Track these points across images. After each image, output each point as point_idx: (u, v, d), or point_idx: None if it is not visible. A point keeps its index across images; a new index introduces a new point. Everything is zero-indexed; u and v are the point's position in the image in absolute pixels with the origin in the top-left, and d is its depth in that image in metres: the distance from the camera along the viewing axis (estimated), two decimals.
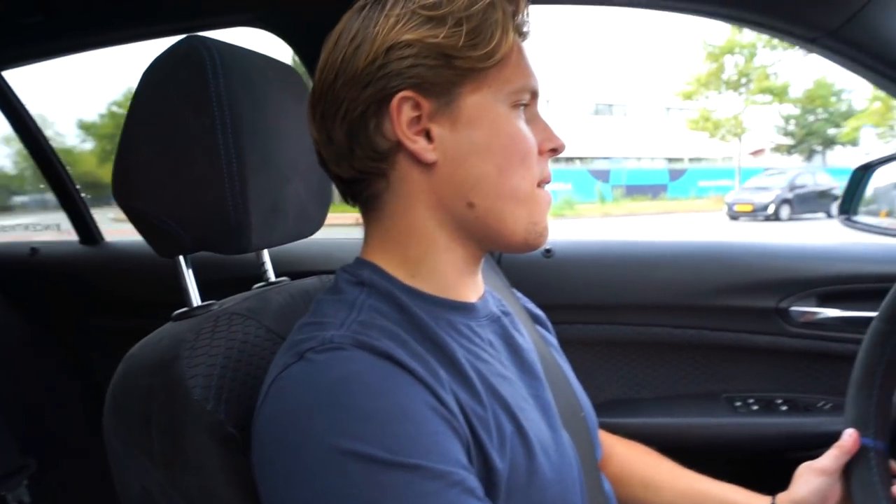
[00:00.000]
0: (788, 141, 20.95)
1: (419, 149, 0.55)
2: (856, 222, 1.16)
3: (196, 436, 0.54)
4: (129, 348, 0.62)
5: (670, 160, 22.60)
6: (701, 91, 18.01)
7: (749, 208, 13.46)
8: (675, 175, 19.87)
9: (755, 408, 1.26)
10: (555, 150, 0.60)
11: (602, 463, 0.79)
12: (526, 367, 0.63)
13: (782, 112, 19.97)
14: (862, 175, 1.16)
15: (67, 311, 1.74)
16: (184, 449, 0.55)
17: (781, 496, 0.73)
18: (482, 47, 0.54)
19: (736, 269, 1.29)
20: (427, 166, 0.56)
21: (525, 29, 0.59)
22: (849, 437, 0.71)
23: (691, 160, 22.41)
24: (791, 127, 20.62)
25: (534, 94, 0.59)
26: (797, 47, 0.99)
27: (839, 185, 13.26)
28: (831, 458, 0.71)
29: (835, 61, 0.97)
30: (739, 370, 1.31)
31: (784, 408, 1.25)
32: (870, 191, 1.13)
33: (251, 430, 0.51)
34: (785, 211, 13.29)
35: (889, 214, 1.16)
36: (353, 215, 0.64)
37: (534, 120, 0.60)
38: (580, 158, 21.44)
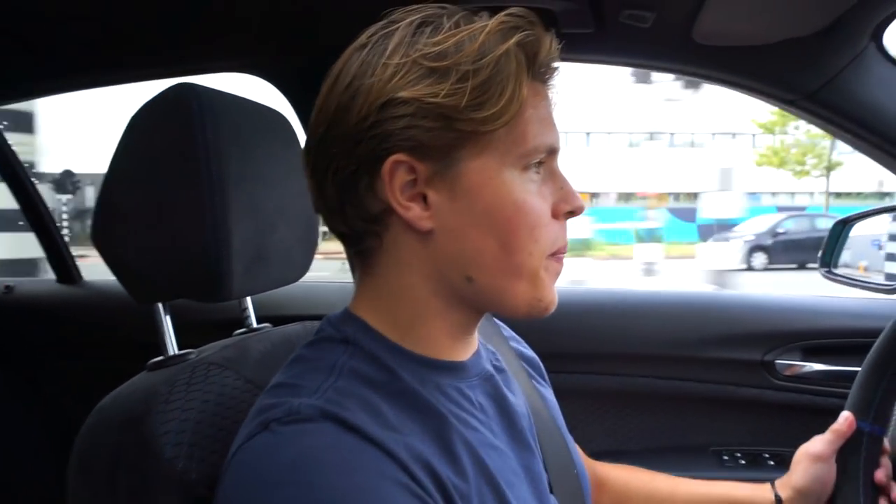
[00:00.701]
0: None
1: (413, 216, 0.50)
2: (836, 275, 1.18)
3: (165, 498, 0.52)
4: (102, 393, 0.60)
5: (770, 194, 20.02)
6: (783, 122, 15.43)
7: None
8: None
9: (743, 462, 1.24)
10: (572, 213, 0.54)
11: (600, 490, 0.78)
12: (517, 434, 0.59)
13: None
14: (841, 229, 1.19)
15: (41, 352, 1.69)
16: None
17: (781, 482, 0.74)
18: (488, 107, 0.48)
19: (721, 321, 1.29)
20: (422, 234, 0.51)
21: (549, 67, 0.53)
22: (844, 420, 0.71)
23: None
24: None
25: (551, 152, 0.53)
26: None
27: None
28: (826, 443, 0.72)
29: (813, 122, 1.00)
30: (726, 423, 1.30)
31: (771, 462, 1.24)
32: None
33: None
34: (759, 259, 11.87)
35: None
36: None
37: (551, 178, 0.54)
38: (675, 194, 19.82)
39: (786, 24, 0.87)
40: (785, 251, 11.78)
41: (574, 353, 1.31)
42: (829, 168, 15.29)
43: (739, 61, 0.95)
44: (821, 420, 1.23)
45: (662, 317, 1.32)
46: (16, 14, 1.02)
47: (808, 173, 15.73)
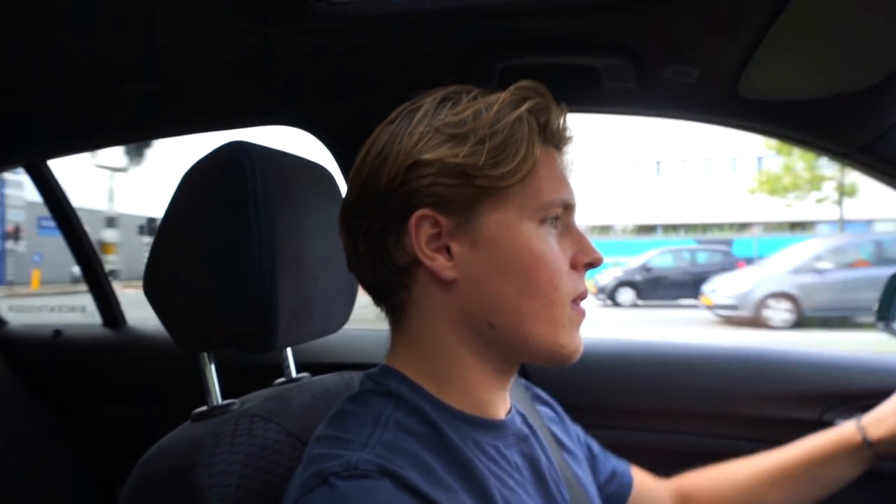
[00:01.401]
0: None
1: (437, 266, 0.54)
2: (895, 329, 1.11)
3: None
4: (142, 439, 0.60)
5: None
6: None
7: (594, 290, 11.25)
8: None
9: None
10: (591, 265, 0.58)
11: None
12: (551, 498, 0.60)
13: None
14: None
15: (84, 396, 1.71)
16: None
17: (870, 421, 0.75)
18: (504, 165, 0.53)
19: (774, 377, 1.23)
20: (447, 283, 0.55)
21: (563, 137, 0.58)
22: None
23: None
24: None
25: (567, 207, 0.57)
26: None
27: (727, 266, 11.00)
28: None
29: (865, 173, 0.98)
30: None
31: None
32: None
33: None
34: (626, 296, 11.18)
35: None
36: None
37: (568, 232, 0.58)
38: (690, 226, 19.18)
39: (836, 80, 0.86)
40: (656, 287, 11.26)
41: (614, 407, 1.27)
42: (843, 193, 13.79)
43: (787, 115, 0.94)
44: (886, 485, 1.16)
45: (710, 371, 1.27)
46: (75, 69, 1.08)
47: (823, 200, 14.03)
